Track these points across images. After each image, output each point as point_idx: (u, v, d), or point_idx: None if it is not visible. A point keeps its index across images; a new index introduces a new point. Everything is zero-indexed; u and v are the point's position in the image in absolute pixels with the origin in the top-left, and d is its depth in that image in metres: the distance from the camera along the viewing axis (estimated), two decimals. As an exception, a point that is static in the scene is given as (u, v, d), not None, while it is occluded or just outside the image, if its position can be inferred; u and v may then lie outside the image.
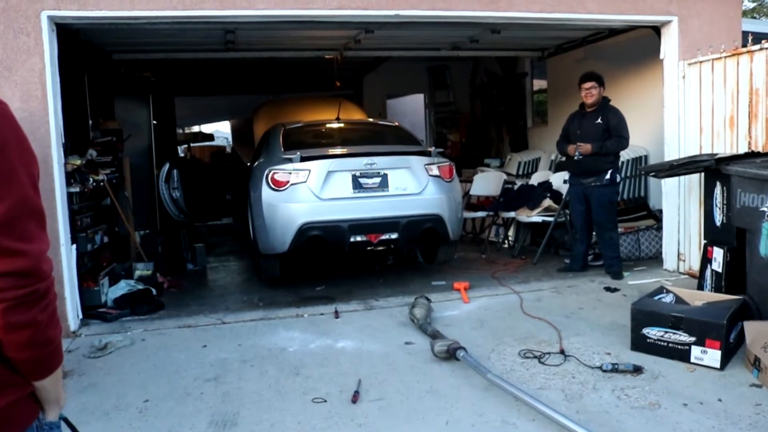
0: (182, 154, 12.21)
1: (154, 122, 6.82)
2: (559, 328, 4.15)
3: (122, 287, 5.17)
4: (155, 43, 6.35)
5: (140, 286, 5.24)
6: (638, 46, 6.68)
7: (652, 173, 5.08)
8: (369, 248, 5.44)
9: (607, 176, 5.36)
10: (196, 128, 16.92)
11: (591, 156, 5.33)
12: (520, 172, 8.51)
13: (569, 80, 8.00)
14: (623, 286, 5.22)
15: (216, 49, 6.87)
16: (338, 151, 5.29)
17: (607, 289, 5.15)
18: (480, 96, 10.58)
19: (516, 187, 7.13)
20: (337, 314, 4.65)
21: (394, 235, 5.05)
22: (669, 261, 5.70)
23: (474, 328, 4.28)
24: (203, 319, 4.72)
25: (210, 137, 13.60)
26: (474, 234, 8.03)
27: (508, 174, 8.19)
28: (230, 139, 20.49)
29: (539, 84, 9.43)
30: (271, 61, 8.61)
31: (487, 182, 7.53)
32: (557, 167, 7.55)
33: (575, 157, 5.38)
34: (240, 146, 13.81)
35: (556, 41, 7.58)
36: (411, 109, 11.70)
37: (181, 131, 14.97)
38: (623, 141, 5.33)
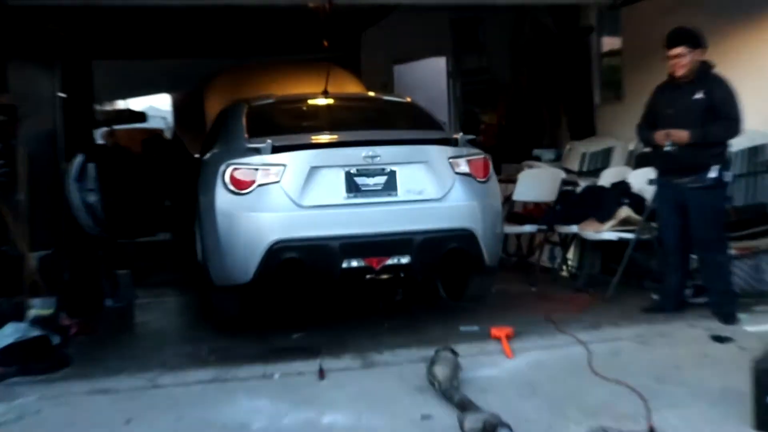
0: (102, 141, 12.15)
1: (63, 96, 6.74)
2: (647, 397, 4.02)
3: (8, 334, 5.03)
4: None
5: (35, 333, 5.11)
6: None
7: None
8: (369, 277, 5.36)
9: (712, 174, 5.28)
10: (122, 104, 16.93)
11: (688, 146, 5.24)
12: (585, 169, 8.44)
13: (654, 37, 7.92)
14: (738, 334, 5.11)
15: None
16: (326, 138, 5.22)
17: (716, 338, 5.04)
18: (526, 61, 10.54)
19: (579, 189, 7.07)
20: (322, 374, 4.55)
21: (404, 259, 5.00)
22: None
23: (522, 395, 4.17)
24: (127, 380, 4.61)
25: (141, 117, 13.60)
26: (519, 257, 7.93)
27: (568, 171, 8.12)
28: (170, 120, 20.54)
29: (611, 44, 9.36)
30: (231, 11, 8.55)
31: (537, 183, 7.46)
32: (638, 161, 7.48)
33: (666, 148, 5.28)
34: (185, 130, 13.74)
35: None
36: (428, 79, 11.67)
37: (100, 108, 14.99)
38: (733, 125, 5.25)
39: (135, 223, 7.32)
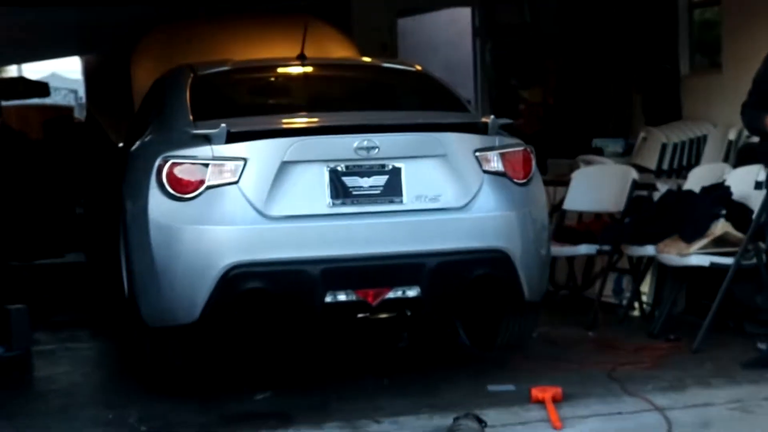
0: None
1: None
2: None
3: None
4: None
5: None
6: None
7: None
8: (362, 316, 5.42)
9: None
10: (13, 71, 16.98)
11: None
12: (666, 166, 8.54)
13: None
14: None
15: None
16: (303, 122, 5.29)
17: None
18: (586, 14, 10.61)
19: (658, 196, 7.12)
20: None
21: (412, 291, 5.06)
22: None
23: None
24: None
25: (42, 89, 13.51)
26: (571, 289, 7.98)
27: (642, 169, 8.16)
28: (82, 94, 20.42)
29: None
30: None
31: (598, 186, 7.51)
32: (742, 156, 7.54)
33: None
34: (104, 109, 13.69)
35: None
36: (446, 38, 11.77)
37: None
38: None
39: (33, 238, 7.29)
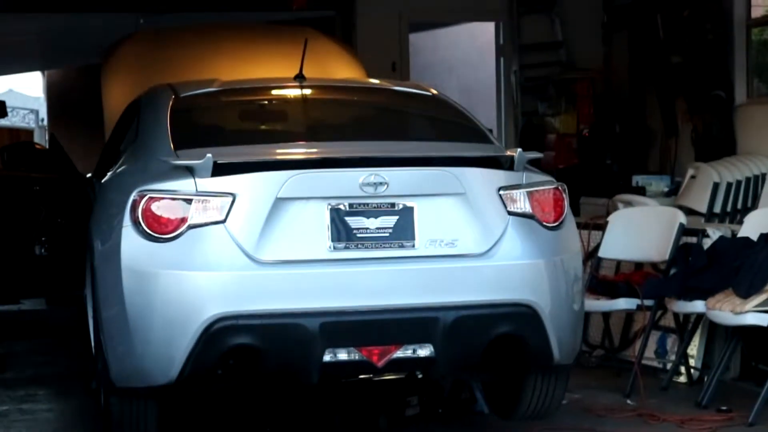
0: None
1: None
2: None
3: None
4: None
5: None
6: None
7: None
8: (364, 377, 5.41)
9: None
10: None
11: None
12: (718, 209, 8.54)
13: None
14: None
15: None
16: (301, 152, 5.28)
17: None
18: (625, 33, 10.67)
19: (709, 243, 7.10)
20: None
21: (424, 351, 5.02)
22: None
23: None
24: None
25: (-2, 109, 13.60)
26: (607, 350, 7.98)
27: (690, 212, 8.21)
28: (44, 114, 20.39)
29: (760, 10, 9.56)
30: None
31: (639, 231, 7.51)
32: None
33: None
34: (70, 133, 13.63)
35: None
36: (465, 57, 11.81)
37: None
38: None
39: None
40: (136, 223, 4.97)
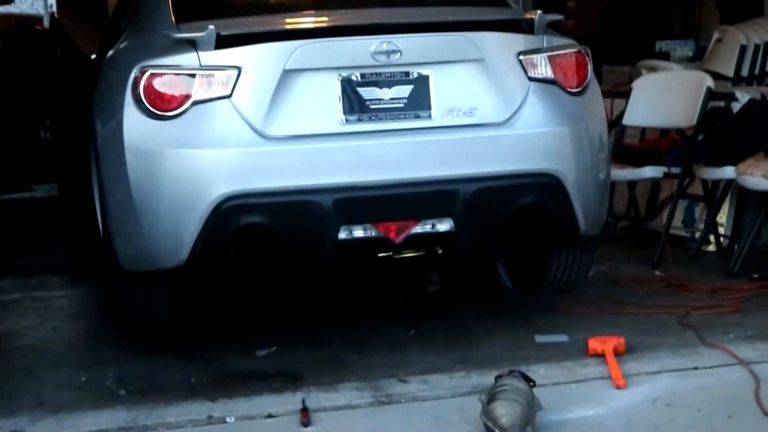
0: None
1: None
2: None
3: None
4: None
5: None
6: None
7: None
8: (383, 255, 5.23)
9: None
10: None
11: None
12: (746, 72, 8.21)
13: None
14: None
15: None
16: (309, 21, 4.98)
17: None
18: None
19: (738, 107, 6.78)
20: (306, 417, 4.35)
21: (444, 225, 4.75)
22: None
23: None
24: None
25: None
26: (632, 220, 7.77)
27: (716, 76, 7.82)
28: (53, 1, 20.05)
29: None
30: None
31: (664, 97, 7.21)
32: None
33: None
34: (78, 17, 13.37)
35: None
36: None
37: None
38: None
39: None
40: (138, 100, 4.69)
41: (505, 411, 3.96)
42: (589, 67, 5.08)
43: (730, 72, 8.17)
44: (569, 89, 4.92)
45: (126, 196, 4.77)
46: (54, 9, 15.21)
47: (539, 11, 5.02)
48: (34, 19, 13.59)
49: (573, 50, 5.02)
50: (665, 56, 8.85)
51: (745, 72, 8.14)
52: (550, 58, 4.90)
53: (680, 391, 4.49)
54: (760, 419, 4.17)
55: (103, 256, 5.31)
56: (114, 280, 5.21)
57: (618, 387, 4.52)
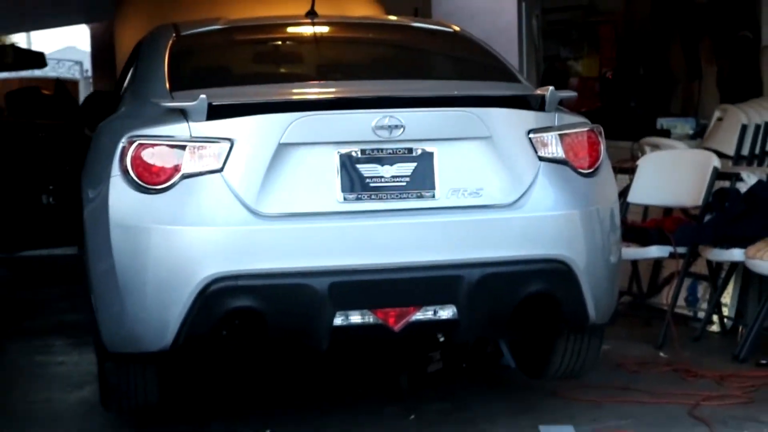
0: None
1: None
2: None
3: None
4: None
5: None
6: None
7: None
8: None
9: None
10: (19, 40, 16.50)
11: None
12: (746, 151, 7.77)
13: None
14: None
15: None
16: (308, 92, 4.54)
17: None
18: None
19: (743, 186, 6.41)
20: None
21: (446, 312, 4.25)
22: None
23: None
24: None
25: (37, 59, 12.81)
26: (635, 295, 7.36)
27: (719, 155, 7.33)
28: (89, 67, 19.99)
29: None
30: None
31: (668, 176, 6.81)
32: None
33: None
34: (109, 83, 13.13)
35: None
36: (485, 3, 11.05)
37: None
38: None
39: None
40: (125, 172, 4.23)
41: None
42: (602, 147, 4.63)
43: (731, 151, 7.76)
44: (581, 170, 4.45)
45: (110, 273, 4.28)
46: (90, 74, 15.05)
47: (551, 87, 4.56)
48: (40, 83, 13.20)
49: (586, 129, 4.56)
50: (666, 133, 8.53)
51: (745, 151, 7.74)
52: (561, 137, 4.44)
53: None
54: None
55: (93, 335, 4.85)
56: (99, 359, 4.74)
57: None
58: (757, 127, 7.78)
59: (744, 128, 7.80)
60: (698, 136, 8.40)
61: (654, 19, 9.74)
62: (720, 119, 8.14)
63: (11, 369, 6.04)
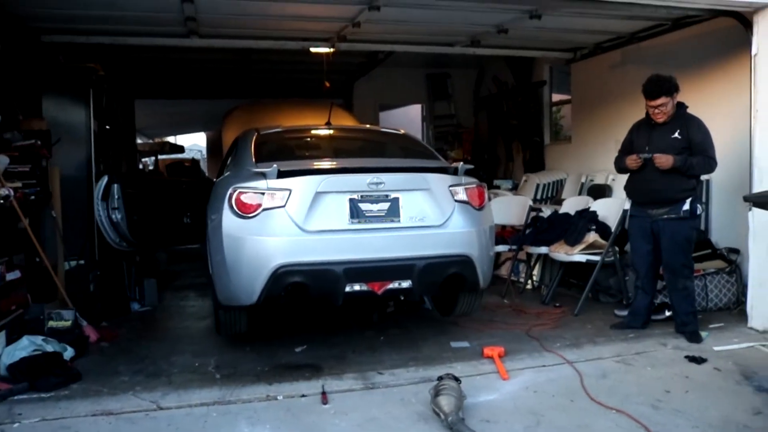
0: (150, 167, 10.78)
1: (104, 126, 5.42)
2: (653, 429, 2.90)
3: (22, 347, 3.70)
4: (93, 18, 4.93)
5: (49, 348, 3.75)
6: (691, 46, 5.44)
7: (760, 203, 3.74)
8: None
9: (686, 207, 4.13)
10: (172, 140, 15.69)
11: (668, 175, 4.04)
12: (539, 197, 7.27)
13: (600, 89, 6.84)
14: (709, 353, 3.96)
15: (175, 34, 5.47)
16: (331, 164, 3.99)
17: (691, 359, 3.87)
18: (486, 108, 9.36)
19: (546, 215, 5.78)
20: (325, 397, 3.31)
21: (405, 284, 3.74)
22: (756, 318, 4.42)
23: (528, 427, 2.99)
24: (132, 400, 3.35)
25: (179, 149, 12.14)
26: None
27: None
28: (205, 153, 19.18)
29: (558, 96, 8.24)
30: (247, 58, 7.24)
31: (508, 208, 6.24)
32: (589, 192, 6.34)
33: (642, 157, 4.11)
34: (213, 160, 12.36)
35: (600, 36, 6.22)
36: (406, 122, 10.46)
37: (150, 141, 13.49)
38: (712, 162, 4.11)
39: (157, 238, 5.77)
40: (231, 207, 3.69)
41: (446, 402, 3.02)
42: (486, 195, 4.12)
43: (530, 196, 7.19)
44: (476, 207, 3.96)
45: (222, 261, 3.73)
46: (205, 155, 14.24)
47: (462, 162, 4.12)
48: (183, 159, 12.45)
49: (477, 185, 4.06)
50: (498, 188, 7.83)
51: (539, 197, 7.24)
52: (466, 189, 3.95)
53: (539, 382, 3.51)
54: (587, 403, 3.24)
55: (211, 294, 4.22)
56: (215, 307, 4.15)
57: (504, 379, 3.55)
58: (545, 185, 7.32)
59: (538, 185, 7.33)
60: (514, 189, 7.79)
61: (490, 130, 9.19)
62: (525, 180, 7.61)
63: (168, 308, 5.43)
